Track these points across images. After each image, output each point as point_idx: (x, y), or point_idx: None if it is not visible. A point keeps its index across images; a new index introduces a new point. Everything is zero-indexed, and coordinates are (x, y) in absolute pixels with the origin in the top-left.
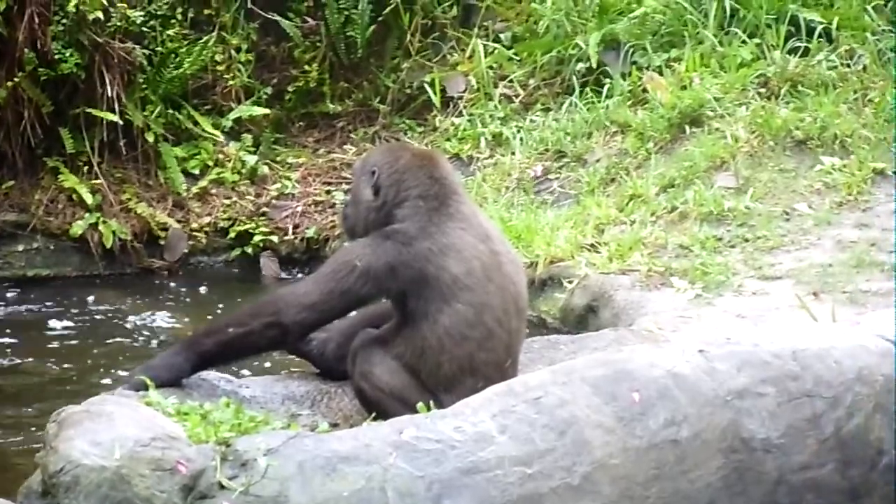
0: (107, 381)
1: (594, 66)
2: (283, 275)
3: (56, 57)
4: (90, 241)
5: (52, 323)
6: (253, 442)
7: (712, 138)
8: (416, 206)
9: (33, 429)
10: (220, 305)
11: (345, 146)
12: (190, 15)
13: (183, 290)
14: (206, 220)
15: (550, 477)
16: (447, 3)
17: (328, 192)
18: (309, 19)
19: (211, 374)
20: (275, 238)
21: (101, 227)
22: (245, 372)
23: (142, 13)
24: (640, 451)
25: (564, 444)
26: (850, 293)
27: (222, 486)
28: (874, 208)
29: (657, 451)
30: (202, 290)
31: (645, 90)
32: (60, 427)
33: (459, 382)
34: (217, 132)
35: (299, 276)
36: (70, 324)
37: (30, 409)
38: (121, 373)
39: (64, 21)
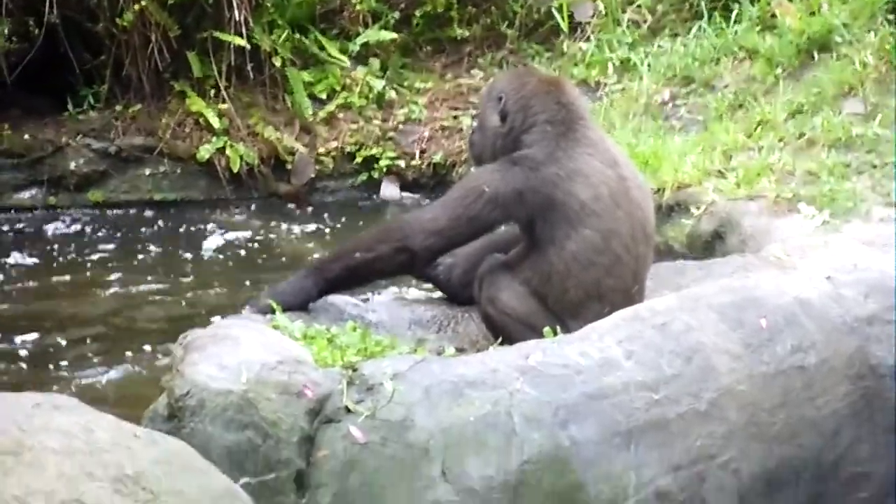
0: (235, 304)
1: None
2: (404, 197)
3: None
4: (217, 165)
5: (180, 247)
6: (379, 366)
7: (840, 64)
8: (543, 131)
9: (162, 353)
10: (347, 230)
11: (472, 71)
12: None
13: (310, 214)
14: (333, 144)
15: (677, 402)
16: None
17: (455, 117)
18: None
19: (338, 299)
20: (402, 163)
21: (228, 151)
22: (372, 297)
23: None
24: (766, 377)
25: (691, 370)
26: None
27: (349, 410)
28: None
29: (784, 377)
30: (329, 214)
31: (773, 15)
32: (186, 351)
33: (586, 308)
34: (344, 57)
35: (423, 201)
36: (198, 248)
37: (159, 335)
38: (249, 297)
39: None
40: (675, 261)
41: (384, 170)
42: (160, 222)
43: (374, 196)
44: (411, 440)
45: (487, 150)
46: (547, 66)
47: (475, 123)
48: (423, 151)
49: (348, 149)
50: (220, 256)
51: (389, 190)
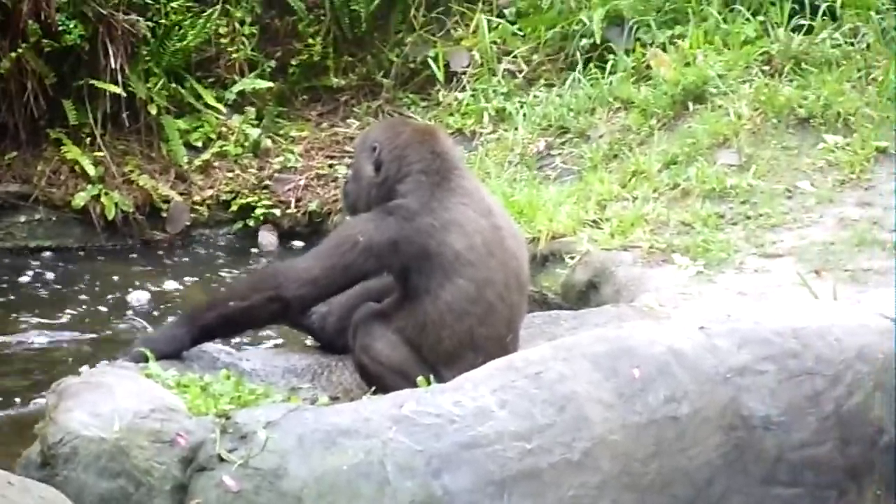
0: (106, 353)
1: (598, 41)
2: (280, 247)
3: (60, 28)
4: (92, 213)
5: (54, 295)
6: (253, 415)
7: (715, 115)
8: (418, 181)
9: (32, 401)
10: (222, 278)
11: (348, 120)
12: None
13: (184, 262)
14: (209, 192)
15: (550, 452)
16: None
17: (331, 165)
18: None
19: (211, 347)
20: (277, 211)
21: (103, 199)
22: (245, 345)
23: None
24: (639, 427)
25: (564, 420)
26: (851, 271)
27: (222, 459)
28: (876, 187)
29: (657, 427)
30: (203, 262)
31: (648, 66)
32: (60, 398)
33: (460, 357)
34: (220, 105)
35: (299, 248)
36: (71, 296)
37: (28, 381)
38: (120, 346)
39: None
40: (549, 310)
41: (260, 218)
42: (35, 270)
43: (252, 244)
44: (284, 489)
45: (362, 199)
46: (423, 115)
47: (350, 173)
48: (298, 200)
49: (224, 197)
50: (93, 304)
51: (267, 239)
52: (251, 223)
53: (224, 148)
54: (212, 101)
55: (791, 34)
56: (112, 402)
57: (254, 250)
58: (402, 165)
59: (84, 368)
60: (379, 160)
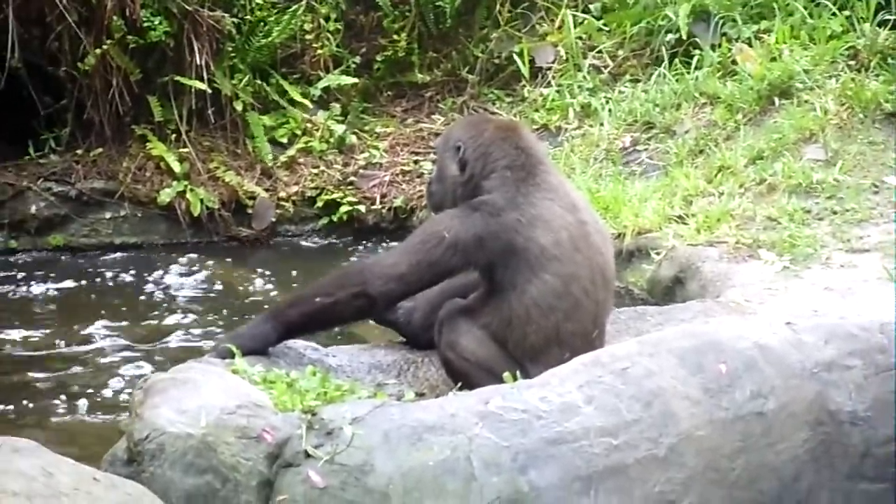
0: (194, 347)
1: (684, 37)
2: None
3: (145, 24)
4: (178, 209)
5: (141, 291)
6: (339, 411)
7: (801, 110)
8: (503, 177)
9: (120, 397)
10: (307, 274)
11: (433, 116)
12: None
13: (270, 258)
14: (294, 189)
15: (636, 448)
16: None
17: (416, 161)
18: None
19: (297, 343)
20: (362, 207)
21: (188, 196)
22: (331, 341)
23: None
24: (726, 422)
25: (651, 416)
26: None
27: (308, 455)
28: None
29: (743, 423)
30: (289, 258)
31: (734, 62)
32: (146, 394)
33: (546, 353)
34: (305, 101)
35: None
36: (158, 292)
37: (116, 378)
38: (208, 341)
39: None
40: (635, 306)
41: (344, 217)
42: (121, 266)
43: (338, 241)
44: (370, 485)
45: (448, 199)
46: (508, 111)
47: (433, 174)
48: (383, 196)
49: (309, 193)
50: (182, 301)
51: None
52: (336, 219)
53: (309, 144)
54: (297, 98)
55: (877, 29)
56: (198, 398)
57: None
58: (486, 163)
59: (171, 365)
60: (464, 159)
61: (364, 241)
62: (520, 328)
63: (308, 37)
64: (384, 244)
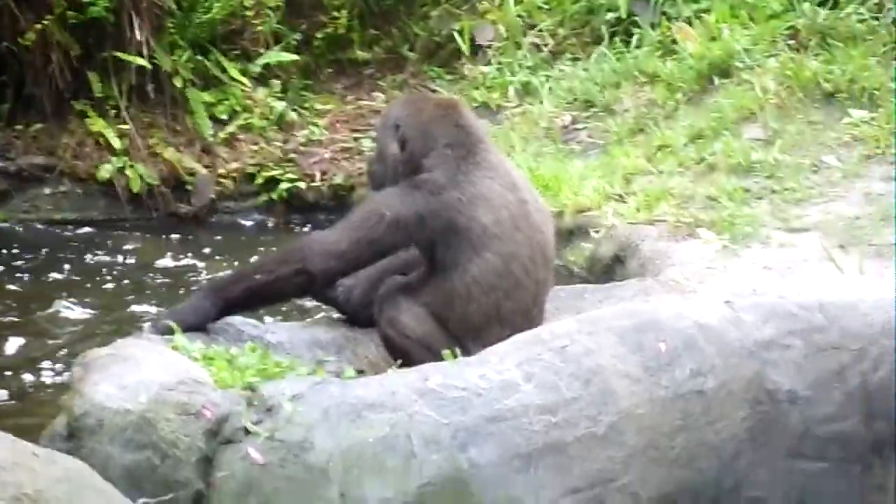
0: (133, 323)
1: (624, 15)
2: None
3: (85, 0)
4: (117, 186)
5: (80, 267)
6: (279, 387)
7: (741, 90)
8: (443, 155)
9: (59, 374)
10: (247, 251)
11: (373, 93)
12: None
13: (210, 235)
14: (234, 165)
15: (576, 426)
16: None
17: (356, 139)
18: None
19: (237, 320)
20: (302, 184)
21: (128, 172)
22: (270, 318)
23: None
24: (665, 401)
25: (590, 394)
26: (876, 246)
27: (248, 432)
28: None
29: (683, 401)
30: (229, 235)
31: (674, 41)
32: (86, 370)
33: (486, 331)
34: (245, 78)
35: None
36: (97, 269)
37: (54, 354)
38: (148, 318)
39: None
40: (574, 285)
41: (284, 193)
42: (60, 243)
43: (276, 218)
44: (310, 461)
45: (388, 178)
46: (448, 88)
47: (373, 154)
48: (323, 173)
49: (249, 170)
50: (119, 277)
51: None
52: (276, 196)
53: (249, 121)
54: (237, 74)
55: (816, 9)
56: (138, 374)
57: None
58: (426, 141)
59: (110, 341)
60: (403, 137)
61: (304, 219)
62: (461, 306)
63: (248, 13)
64: (324, 222)
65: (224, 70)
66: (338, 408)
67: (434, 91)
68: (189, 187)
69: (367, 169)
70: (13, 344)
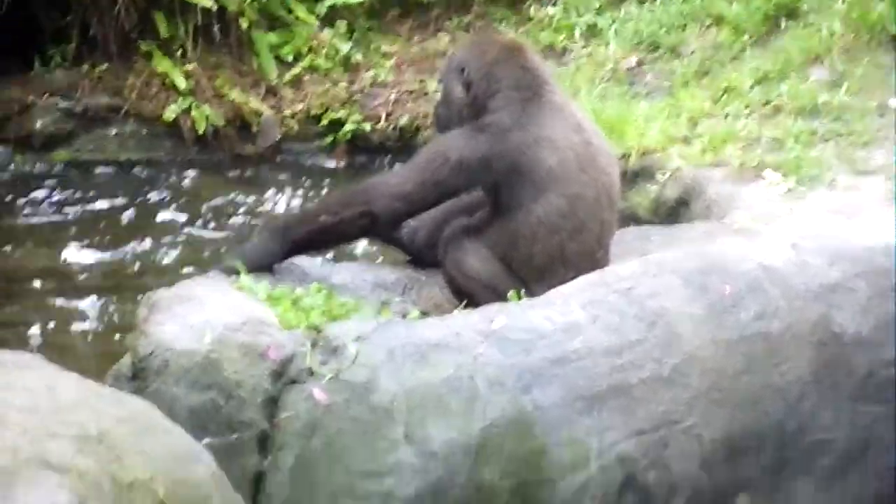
0: (199, 264)
1: None
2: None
3: None
4: (182, 127)
5: (146, 207)
6: (343, 328)
7: (807, 32)
8: (508, 97)
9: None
10: (312, 192)
11: (438, 35)
12: None
13: (274, 176)
14: (299, 107)
15: (640, 368)
16: None
17: (421, 80)
18: None
19: (302, 261)
20: (367, 126)
21: (193, 113)
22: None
23: None
24: (730, 343)
25: (654, 336)
26: None
27: (312, 372)
28: None
29: (747, 343)
30: (293, 176)
31: None
32: (151, 311)
33: (550, 272)
34: (311, 19)
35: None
36: (163, 209)
37: (119, 293)
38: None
39: None
40: (639, 226)
41: (348, 134)
42: (126, 182)
43: (340, 159)
44: (374, 402)
45: (454, 121)
46: (514, 30)
47: (439, 97)
48: (388, 115)
49: (314, 111)
50: (185, 217)
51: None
52: (341, 138)
53: (315, 62)
54: (303, 15)
55: None
56: (203, 314)
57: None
58: (491, 82)
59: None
60: (468, 79)
61: (368, 160)
62: (525, 247)
63: None
64: (389, 163)
65: (290, 11)
66: (402, 348)
67: (499, 33)
68: (254, 128)
69: (434, 112)
70: (76, 281)
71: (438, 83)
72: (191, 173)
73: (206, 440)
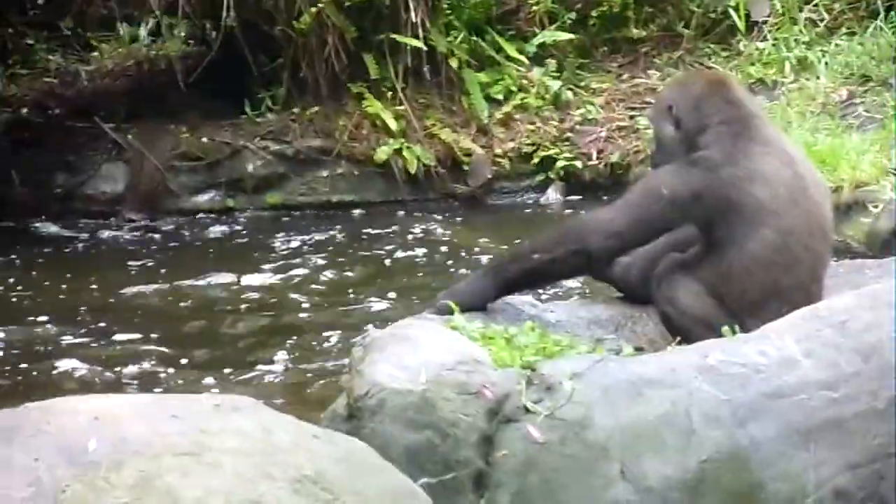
0: (414, 304)
1: None
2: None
3: None
4: (394, 167)
5: (359, 248)
6: (558, 366)
7: None
8: (718, 132)
9: (336, 355)
10: (524, 230)
11: (648, 71)
12: None
13: (488, 215)
14: (510, 145)
15: (856, 401)
16: None
17: (632, 117)
18: None
19: (515, 299)
20: (578, 163)
21: (404, 153)
22: (549, 297)
23: None
24: None
25: (870, 369)
26: None
27: (527, 410)
28: None
29: None
30: (505, 215)
31: None
32: (366, 351)
33: (764, 307)
34: (521, 57)
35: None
36: (377, 250)
37: (335, 336)
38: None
39: None
40: (853, 259)
41: (561, 171)
42: (339, 224)
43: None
44: (590, 439)
45: (666, 160)
46: (724, 65)
47: (652, 145)
48: (599, 152)
49: (525, 149)
50: (399, 258)
51: (553, 196)
52: (552, 175)
53: (525, 100)
54: (513, 54)
55: None
56: (418, 354)
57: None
58: (700, 117)
59: (390, 321)
60: (677, 117)
61: (581, 198)
62: (738, 283)
63: None
64: (601, 200)
65: (500, 50)
66: (617, 385)
67: (709, 68)
68: (465, 167)
69: (650, 161)
70: (291, 321)
71: (649, 122)
72: (404, 213)
73: (423, 480)
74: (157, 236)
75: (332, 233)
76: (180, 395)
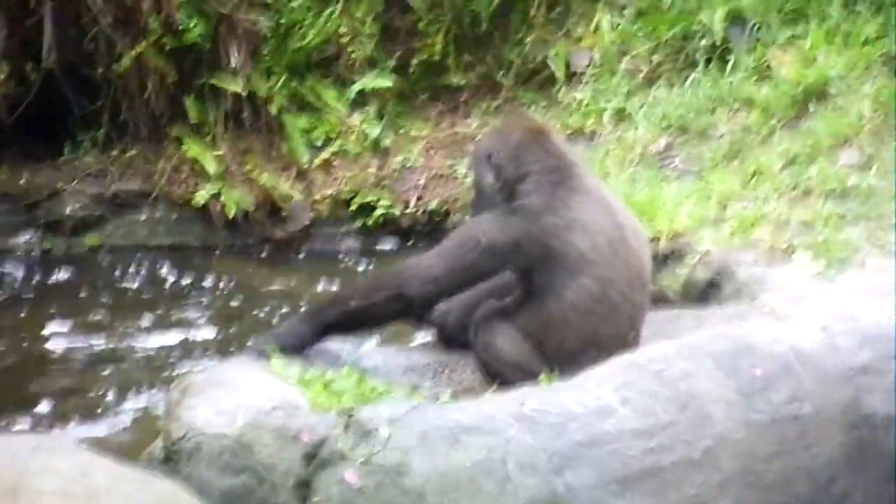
0: (229, 348)
1: (718, 41)
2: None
3: (180, 27)
4: (212, 211)
5: (175, 292)
6: (375, 411)
7: (836, 115)
8: (538, 180)
9: (154, 398)
10: (342, 276)
11: (468, 119)
12: None
13: (305, 260)
14: (329, 191)
15: (672, 450)
16: None
17: (451, 164)
18: None
19: (333, 344)
20: (397, 210)
21: (223, 197)
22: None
23: None
24: (762, 425)
25: (686, 418)
26: None
27: (344, 455)
28: None
29: (779, 426)
30: (324, 260)
31: (769, 66)
32: (183, 394)
33: (583, 355)
34: (340, 104)
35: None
36: (194, 293)
37: (151, 378)
38: (243, 343)
39: None
40: (670, 309)
41: (380, 219)
42: (155, 267)
43: (372, 243)
44: (407, 485)
45: (486, 207)
46: (543, 114)
47: (472, 194)
48: (418, 199)
49: (344, 196)
50: (216, 302)
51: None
52: (370, 222)
53: (344, 146)
54: (332, 100)
55: None
56: (235, 398)
57: (376, 248)
58: (519, 166)
59: (206, 365)
60: (496, 165)
61: (398, 244)
62: (557, 331)
63: (343, 39)
64: (419, 247)
65: (319, 96)
66: (435, 432)
67: (526, 117)
68: (284, 212)
69: (470, 211)
70: (107, 366)
71: (468, 170)
72: (221, 258)
73: None
74: None
75: (149, 275)
76: None
